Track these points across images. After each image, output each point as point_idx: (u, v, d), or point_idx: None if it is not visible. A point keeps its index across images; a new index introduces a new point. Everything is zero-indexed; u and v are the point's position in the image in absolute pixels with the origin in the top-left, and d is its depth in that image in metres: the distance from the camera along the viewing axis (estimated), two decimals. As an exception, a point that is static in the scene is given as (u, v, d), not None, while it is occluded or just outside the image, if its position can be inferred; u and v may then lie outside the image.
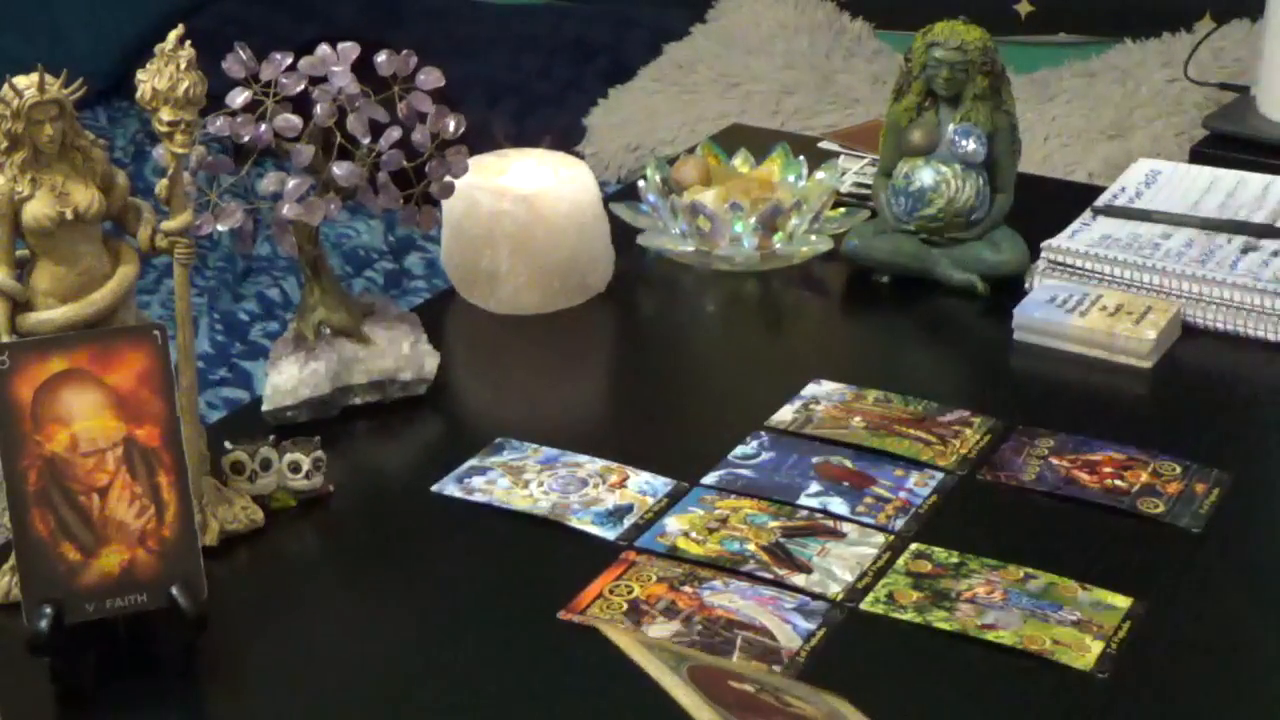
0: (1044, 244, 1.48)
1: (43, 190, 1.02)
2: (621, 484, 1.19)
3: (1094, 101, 3.06)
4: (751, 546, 1.10)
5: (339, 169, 1.20)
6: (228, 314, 2.80)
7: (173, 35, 1.06)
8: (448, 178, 1.27)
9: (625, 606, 1.05)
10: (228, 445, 1.15)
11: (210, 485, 1.13)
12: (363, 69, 1.20)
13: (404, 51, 1.22)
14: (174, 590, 0.97)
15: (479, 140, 1.43)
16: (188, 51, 1.06)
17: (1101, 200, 1.57)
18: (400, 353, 1.29)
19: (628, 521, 1.14)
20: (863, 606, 1.05)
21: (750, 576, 1.08)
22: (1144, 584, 1.07)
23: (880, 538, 1.12)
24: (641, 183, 1.58)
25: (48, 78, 1.00)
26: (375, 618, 1.07)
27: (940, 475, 1.19)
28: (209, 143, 1.14)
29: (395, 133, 1.21)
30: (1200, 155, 2.24)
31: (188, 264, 1.09)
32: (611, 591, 1.06)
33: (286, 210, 1.19)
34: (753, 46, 3.44)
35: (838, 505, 1.15)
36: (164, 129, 1.06)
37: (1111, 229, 1.51)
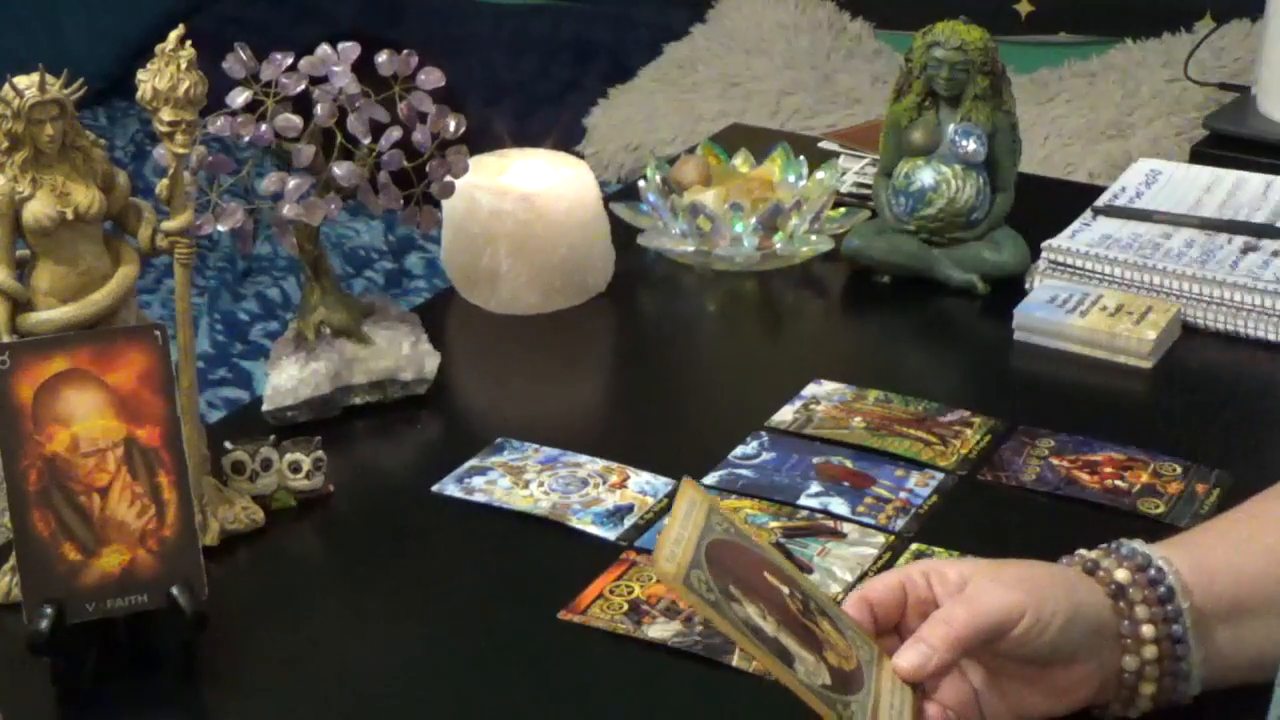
0: (1044, 244, 1.48)
1: (43, 190, 1.02)
2: (621, 484, 1.19)
3: (1094, 101, 3.07)
4: (752, 546, 1.10)
5: (339, 169, 1.20)
6: (228, 314, 2.81)
7: (173, 35, 1.06)
8: (448, 178, 1.27)
9: (626, 606, 1.05)
10: (228, 445, 1.15)
11: (210, 485, 1.13)
12: (363, 69, 1.20)
13: (404, 51, 1.22)
14: (174, 590, 0.97)
15: (479, 140, 1.43)
16: (188, 51, 1.05)
17: (1101, 200, 1.57)
18: (400, 353, 1.29)
19: (628, 521, 1.14)
20: (863, 606, 1.05)
21: (750, 576, 1.08)
22: (1144, 584, 1.07)
23: (881, 538, 1.12)
24: (641, 183, 1.58)
25: (48, 78, 1.00)
26: (375, 618, 1.07)
27: (940, 475, 1.19)
28: (209, 143, 1.14)
29: (395, 133, 1.21)
30: (1200, 155, 2.24)
31: (188, 264, 1.09)
32: (612, 591, 1.06)
33: (287, 210, 1.19)
34: (753, 46, 3.44)
35: (838, 505, 1.15)
36: (164, 129, 1.06)
37: (1112, 229, 1.51)
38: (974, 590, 0.88)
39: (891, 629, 0.90)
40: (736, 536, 0.88)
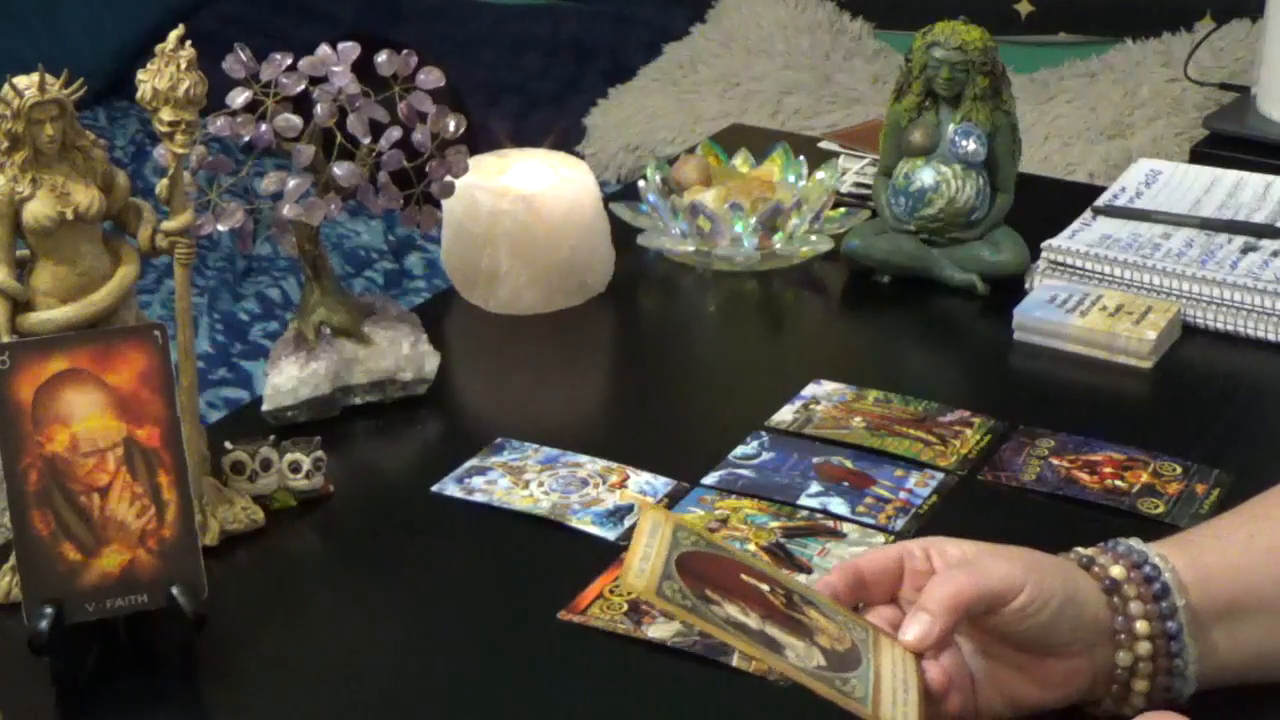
0: (1044, 244, 1.48)
1: (43, 190, 1.02)
2: (621, 484, 1.19)
3: (1094, 101, 3.07)
4: (752, 547, 1.10)
5: (339, 169, 1.20)
6: (228, 314, 2.80)
7: (173, 35, 1.06)
8: (448, 178, 1.27)
9: (625, 606, 1.05)
10: (228, 445, 1.15)
11: (210, 485, 1.13)
12: (363, 69, 1.20)
13: (404, 51, 1.22)
14: (174, 590, 0.97)
15: (479, 140, 1.43)
16: (188, 51, 1.06)
17: (1101, 200, 1.57)
18: (400, 353, 1.29)
19: (628, 521, 1.14)
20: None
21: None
22: (1144, 584, 1.07)
23: (880, 538, 1.12)
24: (641, 183, 1.58)
25: (48, 78, 1.00)
26: (375, 618, 1.07)
27: (940, 475, 1.19)
28: (209, 143, 1.14)
29: (395, 133, 1.21)
30: (1200, 155, 2.24)
31: (188, 264, 1.09)
32: (612, 591, 1.06)
33: (286, 210, 1.19)
34: (753, 46, 3.44)
35: (838, 505, 1.15)
36: (164, 129, 1.06)
37: (1111, 229, 1.51)
38: (976, 560, 0.88)
39: (887, 601, 0.91)
40: (706, 547, 0.88)
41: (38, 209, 1.02)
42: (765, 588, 0.86)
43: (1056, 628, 0.88)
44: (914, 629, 0.87)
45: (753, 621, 0.83)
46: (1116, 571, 0.91)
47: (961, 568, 0.88)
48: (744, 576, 0.87)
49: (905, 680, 0.85)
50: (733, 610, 0.83)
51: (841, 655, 0.84)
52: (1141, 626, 0.89)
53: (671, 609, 0.81)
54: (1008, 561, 0.88)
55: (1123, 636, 0.90)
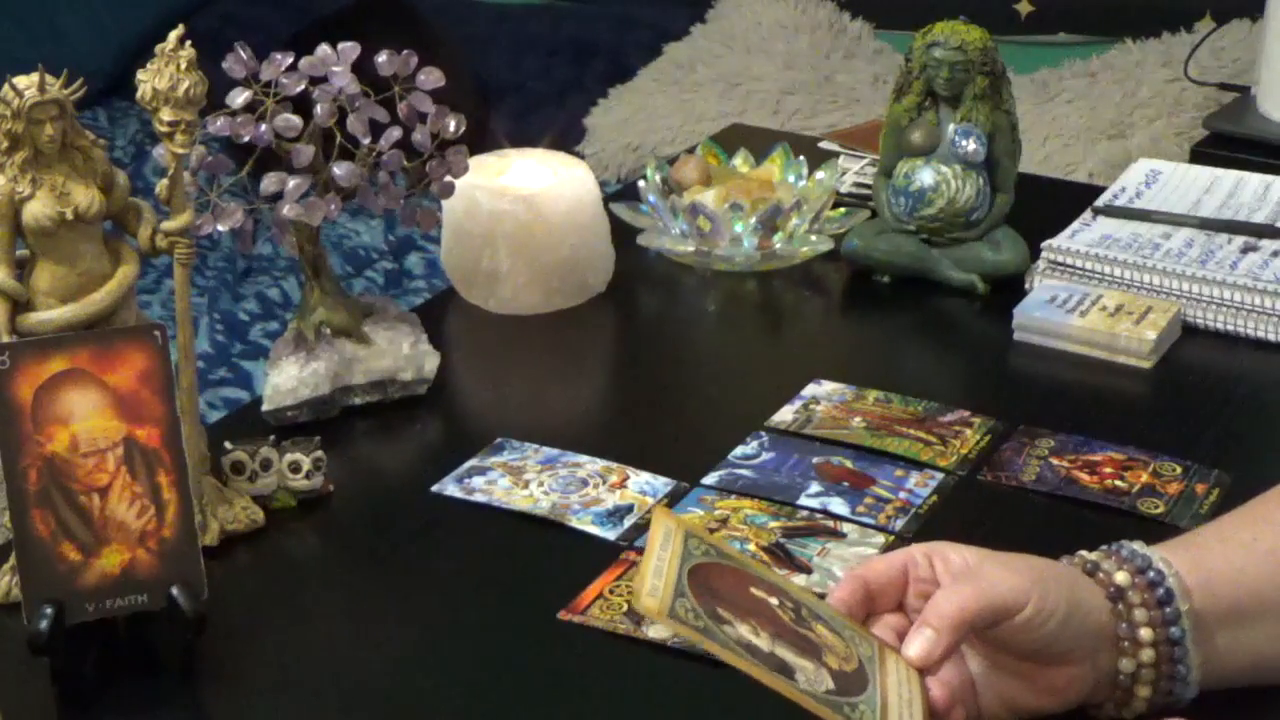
0: (1044, 244, 1.48)
1: (43, 190, 1.02)
2: (621, 484, 1.19)
3: (1094, 101, 3.07)
4: (752, 547, 1.10)
5: (339, 169, 1.20)
6: (228, 314, 2.80)
7: (173, 35, 1.06)
8: (448, 178, 1.27)
9: (625, 606, 1.05)
10: (228, 445, 1.15)
11: (210, 485, 1.13)
12: (363, 69, 1.20)
13: (404, 51, 1.22)
14: (174, 590, 0.97)
15: (479, 140, 1.43)
16: (188, 51, 1.06)
17: (1101, 200, 1.57)
18: (400, 353, 1.29)
19: (628, 521, 1.14)
20: (863, 606, 1.05)
21: (750, 576, 1.08)
22: (1144, 584, 1.07)
23: (880, 538, 1.12)
24: (641, 183, 1.58)
25: (48, 78, 1.00)
26: (375, 618, 1.07)
27: (940, 475, 1.19)
28: (209, 143, 1.14)
29: (395, 133, 1.21)
30: (1200, 155, 2.24)
31: (188, 264, 1.09)
32: (611, 591, 1.06)
33: (286, 210, 1.19)
34: (753, 46, 3.44)
35: (838, 505, 1.15)
36: (164, 129, 1.06)
37: (1111, 229, 1.51)
38: (980, 571, 0.88)
39: (892, 609, 0.91)
40: (717, 557, 0.88)
41: (38, 209, 1.02)
42: (774, 601, 0.87)
43: (1060, 638, 0.87)
44: (918, 644, 0.86)
45: (763, 642, 0.83)
46: (1121, 578, 0.90)
47: (966, 581, 0.87)
48: (753, 590, 0.87)
49: (910, 700, 0.85)
50: (744, 630, 0.83)
51: (849, 677, 0.84)
52: (1145, 634, 0.89)
53: (683, 631, 0.81)
54: (1013, 573, 0.87)
55: (1126, 643, 0.89)
